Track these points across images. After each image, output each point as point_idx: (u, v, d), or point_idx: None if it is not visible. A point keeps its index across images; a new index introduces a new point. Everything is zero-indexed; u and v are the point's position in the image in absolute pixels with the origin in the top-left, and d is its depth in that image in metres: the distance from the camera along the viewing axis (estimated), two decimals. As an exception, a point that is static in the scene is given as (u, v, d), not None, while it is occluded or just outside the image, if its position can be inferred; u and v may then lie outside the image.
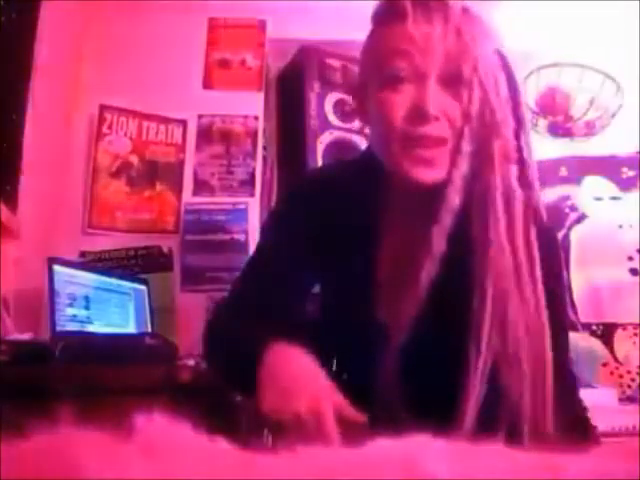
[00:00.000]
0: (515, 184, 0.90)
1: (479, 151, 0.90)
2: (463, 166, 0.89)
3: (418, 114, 0.88)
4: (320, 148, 2.55)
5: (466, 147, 0.89)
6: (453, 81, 0.90)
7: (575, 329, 2.65)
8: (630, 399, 2.55)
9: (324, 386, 0.80)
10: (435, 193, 0.91)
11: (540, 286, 0.90)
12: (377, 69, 0.93)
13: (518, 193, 0.90)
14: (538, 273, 0.90)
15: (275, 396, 0.80)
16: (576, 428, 1.02)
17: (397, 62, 0.89)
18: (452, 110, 0.90)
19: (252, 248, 2.68)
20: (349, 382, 0.94)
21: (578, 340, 2.64)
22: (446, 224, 0.89)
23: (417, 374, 0.90)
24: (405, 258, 0.95)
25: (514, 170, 0.90)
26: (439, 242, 0.89)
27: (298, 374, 0.82)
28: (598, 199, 2.90)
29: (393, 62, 0.90)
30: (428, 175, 0.91)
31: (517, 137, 0.92)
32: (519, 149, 0.92)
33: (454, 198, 0.89)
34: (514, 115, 0.92)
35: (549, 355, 0.90)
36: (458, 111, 0.90)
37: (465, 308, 0.89)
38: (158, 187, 2.63)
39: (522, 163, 0.92)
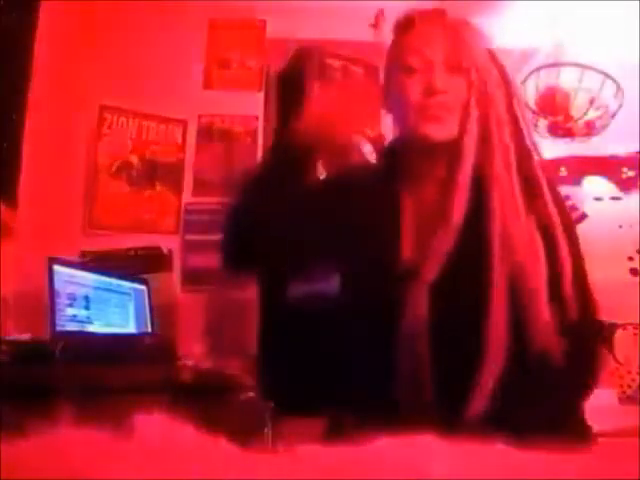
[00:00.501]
0: (508, 140, 1.12)
1: (480, 117, 1.13)
2: (473, 126, 1.12)
3: (429, 89, 1.12)
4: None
5: (474, 112, 1.12)
6: (456, 68, 1.14)
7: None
8: (630, 399, 2.55)
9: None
10: (449, 150, 1.13)
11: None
12: (395, 65, 1.19)
13: (512, 146, 1.13)
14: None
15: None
16: (574, 427, 1.04)
17: (410, 57, 1.15)
18: (457, 86, 1.13)
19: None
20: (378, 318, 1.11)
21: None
22: (467, 171, 1.10)
23: (446, 310, 1.07)
24: (430, 205, 1.15)
25: (507, 130, 1.13)
26: (463, 187, 1.10)
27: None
28: (598, 199, 2.90)
29: (407, 57, 1.16)
30: (440, 132, 1.13)
31: (510, 108, 1.16)
32: (514, 116, 1.16)
33: (470, 148, 1.11)
34: (506, 93, 1.17)
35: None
36: (463, 87, 1.13)
37: (483, 249, 1.07)
38: (158, 187, 2.63)
39: (516, 124, 1.16)
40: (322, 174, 1.63)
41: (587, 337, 1.13)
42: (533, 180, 1.14)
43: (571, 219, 1.30)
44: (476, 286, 1.06)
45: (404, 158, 1.22)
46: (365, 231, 1.18)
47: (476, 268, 1.07)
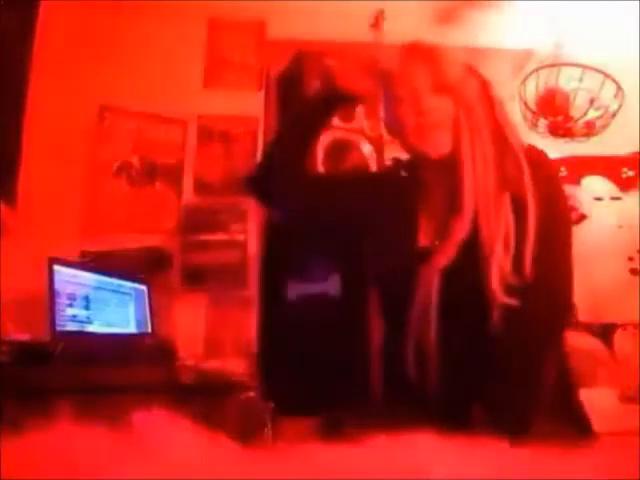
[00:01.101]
0: (489, 146, 1.25)
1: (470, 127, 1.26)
2: (467, 137, 1.25)
3: (418, 111, 1.24)
4: (320, 148, 2.55)
5: (464, 124, 1.25)
6: (440, 89, 1.25)
7: (575, 329, 2.65)
8: (630, 399, 2.55)
9: None
10: (449, 163, 1.24)
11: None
12: (388, 97, 1.32)
13: (490, 153, 1.24)
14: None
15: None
16: (575, 425, 1.05)
17: (398, 89, 1.28)
18: (444, 104, 1.25)
19: (252, 248, 2.69)
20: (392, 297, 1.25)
21: (578, 340, 2.64)
22: (470, 182, 1.23)
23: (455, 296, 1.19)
24: (443, 204, 1.28)
25: (487, 134, 1.26)
26: (470, 193, 1.22)
27: None
28: (598, 199, 2.90)
29: (396, 89, 1.28)
30: (436, 149, 1.25)
31: (491, 115, 1.27)
32: (494, 118, 1.28)
33: (468, 159, 1.24)
34: (488, 102, 1.29)
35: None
36: (450, 103, 1.25)
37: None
38: (158, 187, 2.63)
39: (497, 125, 1.28)
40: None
41: (544, 304, 1.20)
42: (512, 167, 1.24)
43: (569, 222, 1.39)
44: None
45: (415, 170, 1.36)
46: (387, 219, 1.33)
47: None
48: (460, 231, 1.21)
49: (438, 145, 1.25)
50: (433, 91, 1.26)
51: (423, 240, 1.29)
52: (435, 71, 1.27)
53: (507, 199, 1.22)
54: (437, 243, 1.24)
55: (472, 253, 1.19)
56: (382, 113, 1.41)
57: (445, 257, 1.21)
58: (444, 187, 1.29)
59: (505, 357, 1.15)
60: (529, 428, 1.09)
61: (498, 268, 1.16)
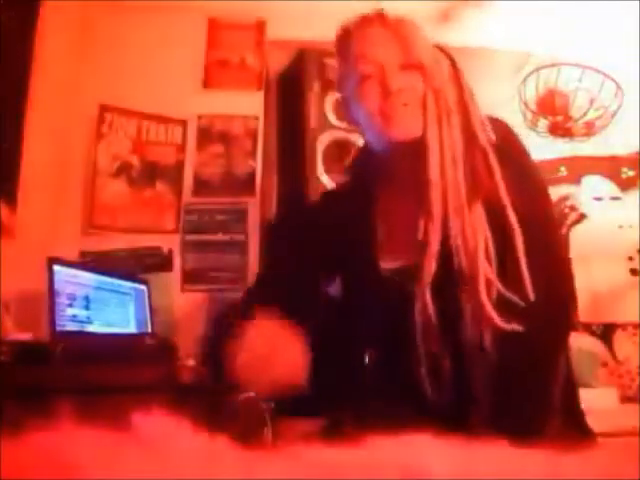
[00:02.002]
0: (457, 135, 1.15)
1: (436, 109, 1.16)
2: (434, 120, 1.15)
3: (385, 91, 1.15)
4: (320, 148, 2.55)
5: (431, 105, 1.15)
6: (407, 66, 1.16)
7: (575, 329, 2.65)
8: (630, 399, 2.55)
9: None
10: (417, 147, 1.14)
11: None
12: (348, 76, 1.21)
13: (459, 144, 1.15)
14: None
15: (251, 362, 1.00)
16: (574, 427, 1.04)
17: (360, 65, 1.17)
18: (412, 82, 1.16)
19: (252, 248, 2.69)
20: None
21: (578, 340, 2.64)
22: (436, 166, 1.13)
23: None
24: (410, 205, 1.17)
25: (456, 121, 1.16)
26: (436, 185, 1.13)
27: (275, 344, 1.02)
28: (598, 199, 2.90)
29: (358, 66, 1.18)
30: (404, 132, 1.15)
31: (460, 100, 1.18)
32: (464, 105, 1.17)
33: (434, 142, 1.14)
34: (457, 83, 1.19)
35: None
36: (418, 82, 1.16)
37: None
38: (158, 187, 2.63)
39: (466, 114, 1.17)
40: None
41: (548, 318, 1.11)
42: (481, 167, 1.14)
43: (546, 208, 1.26)
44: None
45: (377, 163, 1.25)
46: (350, 237, 1.23)
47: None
48: (434, 243, 1.12)
49: (407, 128, 1.15)
50: (401, 68, 1.16)
51: (403, 259, 1.18)
52: (403, 45, 1.17)
53: (479, 208, 1.12)
54: (416, 261, 1.13)
55: (451, 265, 1.11)
56: (340, 92, 1.28)
57: (428, 274, 1.11)
58: (413, 180, 1.17)
59: (508, 370, 1.07)
60: (542, 432, 1.03)
61: (484, 280, 1.08)
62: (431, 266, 1.11)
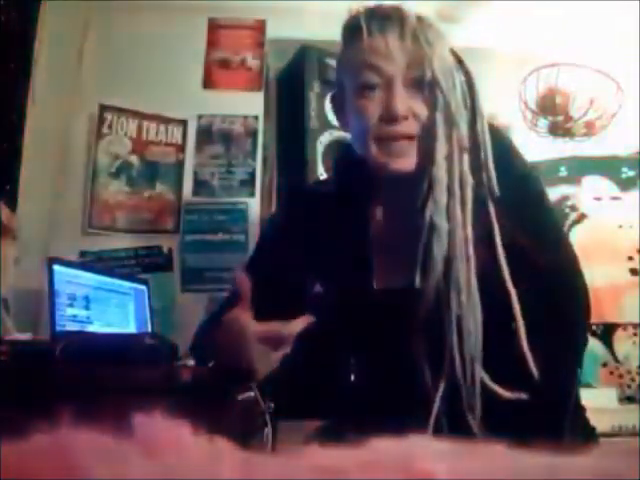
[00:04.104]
0: (467, 170, 1.01)
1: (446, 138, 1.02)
2: (442, 152, 1.01)
3: (389, 115, 1.02)
4: (320, 148, 2.55)
5: (440, 133, 1.01)
6: (417, 83, 1.02)
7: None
8: (630, 399, 2.55)
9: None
10: (414, 178, 1.03)
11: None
12: (351, 79, 1.07)
13: (469, 179, 1.01)
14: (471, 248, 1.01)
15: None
16: (576, 428, 1.03)
17: (367, 72, 1.03)
18: (418, 109, 1.02)
19: (252, 248, 2.69)
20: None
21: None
22: (442, 204, 1.01)
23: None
24: (403, 228, 1.07)
25: (466, 158, 1.02)
26: (429, 217, 1.01)
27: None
28: (598, 199, 2.90)
29: (363, 72, 1.04)
30: (401, 164, 1.04)
31: (473, 126, 1.03)
32: (475, 136, 1.03)
33: (440, 178, 1.01)
34: (471, 107, 1.04)
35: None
36: (424, 109, 1.02)
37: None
38: (158, 187, 2.63)
39: (477, 149, 1.03)
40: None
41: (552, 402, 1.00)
42: (486, 220, 1.02)
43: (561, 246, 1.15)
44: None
45: (367, 180, 1.14)
46: (340, 253, 1.14)
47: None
48: (428, 292, 1.00)
49: (405, 161, 1.03)
50: (412, 84, 1.01)
51: (392, 281, 1.09)
52: (420, 56, 1.00)
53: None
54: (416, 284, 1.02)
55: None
56: (338, 89, 1.13)
57: (426, 301, 1.02)
58: (409, 210, 1.04)
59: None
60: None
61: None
62: (422, 313, 1.02)
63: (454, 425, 0.99)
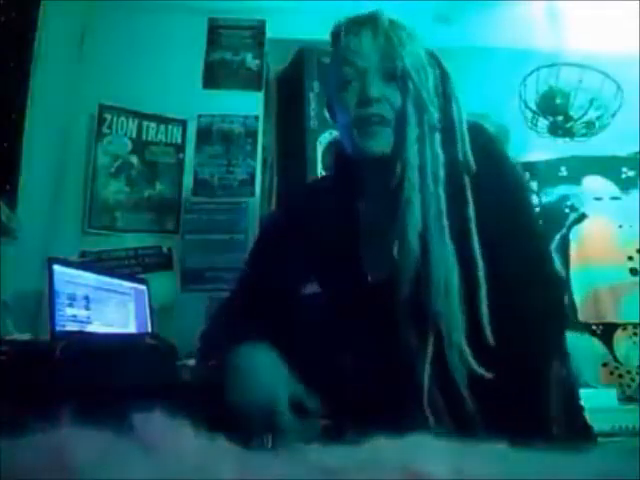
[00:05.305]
0: (439, 150, 1.09)
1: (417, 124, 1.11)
2: (413, 136, 1.10)
3: (364, 98, 1.11)
4: (320, 148, 2.55)
5: (412, 119, 1.10)
6: (390, 75, 1.12)
7: (575, 329, 2.65)
8: (630, 399, 2.55)
9: (281, 376, 1.05)
10: (390, 161, 1.11)
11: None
12: (334, 78, 1.18)
13: (441, 157, 1.09)
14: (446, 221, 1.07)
15: (237, 389, 1.04)
16: (574, 427, 1.04)
17: (344, 68, 1.14)
18: (392, 95, 1.12)
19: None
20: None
21: (578, 340, 2.64)
22: (414, 184, 1.09)
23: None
24: (384, 216, 1.13)
25: (438, 138, 1.10)
26: (412, 203, 1.08)
27: (257, 369, 1.05)
28: (598, 199, 2.90)
29: (342, 69, 1.15)
30: (377, 146, 1.11)
31: (447, 111, 1.13)
32: (450, 119, 1.12)
33: (413, 159, 1.09)
34: (445, 94, 1.14)
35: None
36: (398, 97, 1.11)
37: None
38: (158, 187, 2.63)
39: (451, 129, 1.12)
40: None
41: (514, 369, 1.01)
42: (460, 194, 1.08)
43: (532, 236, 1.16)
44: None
45: (353, 170, 1.21)
46: (332, 246, 1.18)
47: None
48: (408, 269, 1.06)
49: (380, 142, 1.11)
50: (385, 77, 1.12)
51: (377, 273, 1.14)
52: (390, 52, 1.11)
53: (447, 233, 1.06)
54: (388, 276, 1.09)
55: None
56: (326, 91, 1.26)
57: (403, 293, 1.07)
58: (389, 196, 1.11)
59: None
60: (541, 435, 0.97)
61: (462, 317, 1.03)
62: (405, 289, 1.07)
63: (450, 403, 1.02)
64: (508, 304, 1.03)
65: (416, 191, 1.07)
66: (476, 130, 1.15)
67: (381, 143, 1.11)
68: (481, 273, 1.04)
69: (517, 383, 1.00)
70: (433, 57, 1.17)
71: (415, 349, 1.06)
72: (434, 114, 1.11)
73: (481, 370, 1.00)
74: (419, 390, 1.03)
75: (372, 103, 1.10)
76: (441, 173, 1.08)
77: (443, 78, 1.15)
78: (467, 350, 1.02)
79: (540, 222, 1.31)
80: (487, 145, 1.16)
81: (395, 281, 1.07)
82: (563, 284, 1.20)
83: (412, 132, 1.10)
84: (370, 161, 1.14)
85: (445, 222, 1.06)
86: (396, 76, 1.11)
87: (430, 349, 1.04)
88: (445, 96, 1.13)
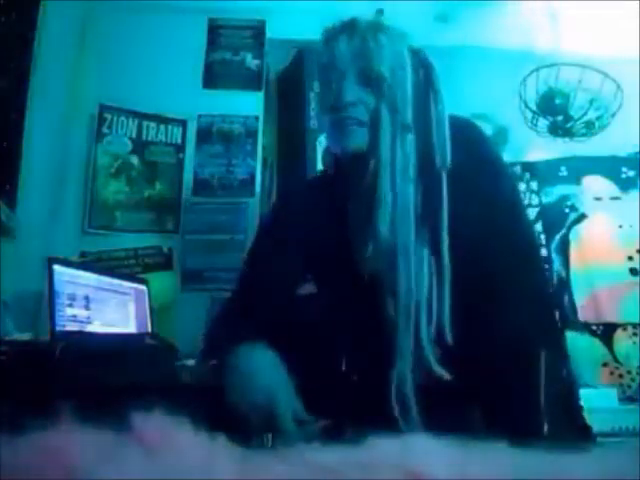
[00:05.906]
0: (411, 150, 1.14)
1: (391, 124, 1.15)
2: (387, 137, 1.14)
3: (338, 103, 1.16)
4: (320, 148, 2.55)
5: (385, 120, 1.14)
6: (366, 78, 1.16)
7: (575, 329, 2.65)
8: (630, 399, 2.55)
9: (280, 377, 1.06)
10: (366, 161, 1.15)
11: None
12: (319, 82, 1.27)
13: (413, 155, 1.14)
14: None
15: (236, 390, 1.05)
16: (573, 427, 1.04)
17: (325, 72, 1.21)
18: (367, 97, 1.15)
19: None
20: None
21: (578, 340, 2.65)
22: (387, 183, 1.13)
23: None
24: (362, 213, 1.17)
25: (410, 138, 1.14)
26: (386, 201, 1.12)
27: (256, 370, 1.07)
28: (598, 199, 2.90)
29: (323, 73, 1.22)
30: (352, 145, 1.15)
31: (425, 109, 1.16)
32: (427, 116, 1.16)
33: (386, 158, 1.13)
34: (427, 94, 1.17)
35: None
36: (372, 99, 1.15)
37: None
38: (158, 187, 2.63)
39: (429, 130, 1.15)
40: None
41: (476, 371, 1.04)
42: (433, 191, 1.12)
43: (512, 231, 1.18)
44: None
45: (341, 168, 1.25)
46: (325, 242, 1.21)
47: None
48: (382, 265, 1.11)
49: (355, 141, 1.15)
50: (359, 80, 1.15)
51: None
52: (366, 56, 1.15)
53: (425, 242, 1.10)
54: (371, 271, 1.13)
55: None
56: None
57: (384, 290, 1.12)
58: (366, 195, 1.16)
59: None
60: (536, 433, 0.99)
61: (426, 316, 1.07)
62: (385, 285, 1.11)
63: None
64: (492, 292, 1.07)
65: (387, 189, 1.12)
66: (467, 127, 1.20)
67: (357, 141, 1.15)
68: (447, 270, 1.08)
69: (506, 373, 1.03)
70: (418, 55, 1.19)
71: (395, 343, 1.10)
72: (407, 114, 1.15)
73: (441, 371, 1.05)
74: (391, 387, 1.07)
75: (347, 107, 1.15)
76: (411, 172, 1.13)
77: (427, 76, 1.18)
78: (429, 348, 1.07)
79: (527, 214, 1.34)
80: (475, 142, 1.20)
81: (375, 277, 1.12)
82: (548, 275, 1.25)
83: (385, 132, 1.14)
84: (350, 158, 1.18)
85: (413, 219, 1.11)
86: (371, 78, 1.15)
87: (409, 343, 1.08)
88: (428, 96, 1.17)
